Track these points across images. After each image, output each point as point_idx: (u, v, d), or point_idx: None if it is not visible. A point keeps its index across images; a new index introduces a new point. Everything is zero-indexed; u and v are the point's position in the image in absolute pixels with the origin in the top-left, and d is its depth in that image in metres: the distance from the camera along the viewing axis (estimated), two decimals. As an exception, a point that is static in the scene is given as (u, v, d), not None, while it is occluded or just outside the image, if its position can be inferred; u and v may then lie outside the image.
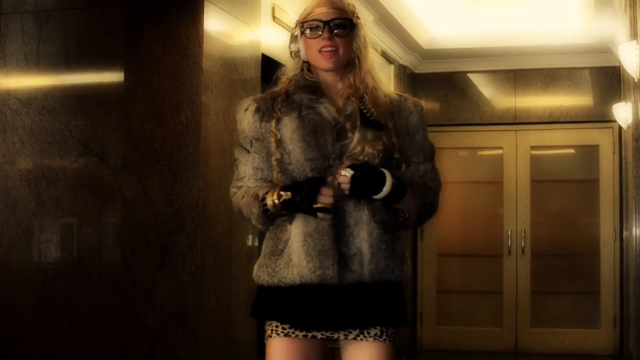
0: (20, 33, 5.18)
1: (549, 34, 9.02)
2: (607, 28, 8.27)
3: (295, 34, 3.17)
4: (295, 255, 3.00)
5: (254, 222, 3.11)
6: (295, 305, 3.02)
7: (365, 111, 3.05)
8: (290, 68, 3.23)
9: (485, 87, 10.06)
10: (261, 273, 3.09)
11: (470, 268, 10.00)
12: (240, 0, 5.26)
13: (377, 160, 2.98)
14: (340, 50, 3.08)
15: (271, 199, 2.98)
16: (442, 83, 10.03)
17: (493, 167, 9.98)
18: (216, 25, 4.92)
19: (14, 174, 5.14)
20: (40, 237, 5.14)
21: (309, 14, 3.11)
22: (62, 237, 5.12)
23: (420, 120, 3.16)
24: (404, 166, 3.11)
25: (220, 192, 4.88)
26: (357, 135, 3.00)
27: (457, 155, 10.06)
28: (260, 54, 5.51)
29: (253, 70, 5.38)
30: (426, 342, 9.97)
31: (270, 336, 3.05)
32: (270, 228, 3.09)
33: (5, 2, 5.20)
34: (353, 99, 3.06)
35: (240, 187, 3.17)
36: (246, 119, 3.12)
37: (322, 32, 3.06)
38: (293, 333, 3.01)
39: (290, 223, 3.02)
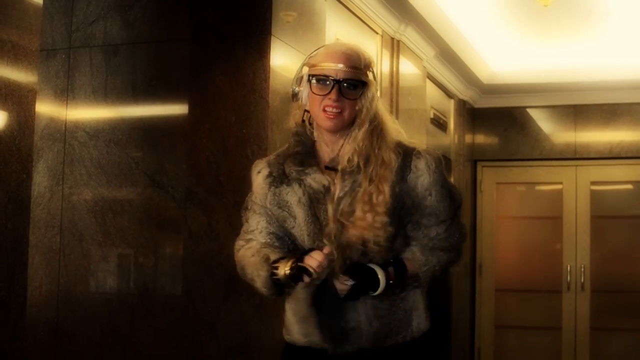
0: (88, 67, 5.25)
1: (610, 69, 8.96)
2: (670, 63, 8.24)
3: (302, 74, 3.02)
4: (287, 316, 3.05)
5: (258, 285, 3.00)
6: None
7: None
8: (292, 119, 3.13)
9: (544, 122, 10.00)
10: (283, 328, 3.13)
11: (529, 304, 9.92)
12: (306, 36, 5.28)
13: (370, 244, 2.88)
14: (346, 113, 2.92)
15: (284, 269, 2.85)
16: (501, 118, 10.01)
17: (552, 202, 9.91)
18: (282, 60, 4.95)
19: (81, 205, 5.19)
20: (106, 268, 5.17)
21: (321, 62, 2.94)
22: (127, 268, 5.15)
23: (433, 181, 2.97)
24: (409, 226, 3.01)
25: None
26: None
27: (516, 190, 10.03)
28: (325, 89, 5.50)
29: (317, 105, 5.37)
30: (483, 378, 9.91)
31: None
32: None
33: (74, 36, 5.28)
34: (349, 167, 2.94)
35: (249, 240, 3.12)
36: (257, 181, 3.12)
37: (330, 90, 2.89)
38: None
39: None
